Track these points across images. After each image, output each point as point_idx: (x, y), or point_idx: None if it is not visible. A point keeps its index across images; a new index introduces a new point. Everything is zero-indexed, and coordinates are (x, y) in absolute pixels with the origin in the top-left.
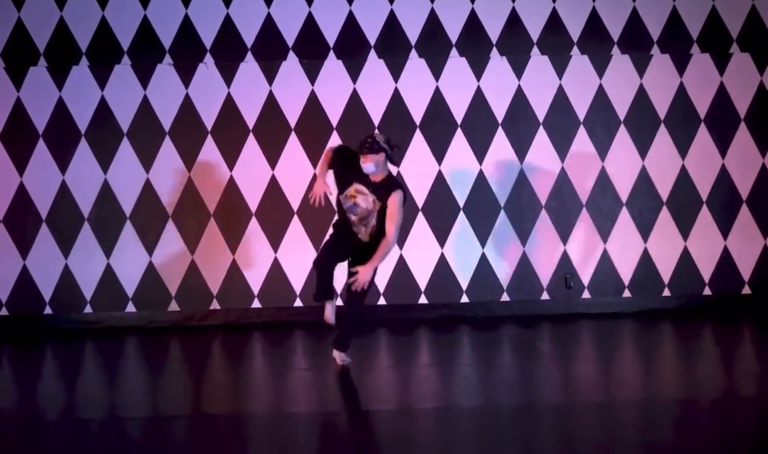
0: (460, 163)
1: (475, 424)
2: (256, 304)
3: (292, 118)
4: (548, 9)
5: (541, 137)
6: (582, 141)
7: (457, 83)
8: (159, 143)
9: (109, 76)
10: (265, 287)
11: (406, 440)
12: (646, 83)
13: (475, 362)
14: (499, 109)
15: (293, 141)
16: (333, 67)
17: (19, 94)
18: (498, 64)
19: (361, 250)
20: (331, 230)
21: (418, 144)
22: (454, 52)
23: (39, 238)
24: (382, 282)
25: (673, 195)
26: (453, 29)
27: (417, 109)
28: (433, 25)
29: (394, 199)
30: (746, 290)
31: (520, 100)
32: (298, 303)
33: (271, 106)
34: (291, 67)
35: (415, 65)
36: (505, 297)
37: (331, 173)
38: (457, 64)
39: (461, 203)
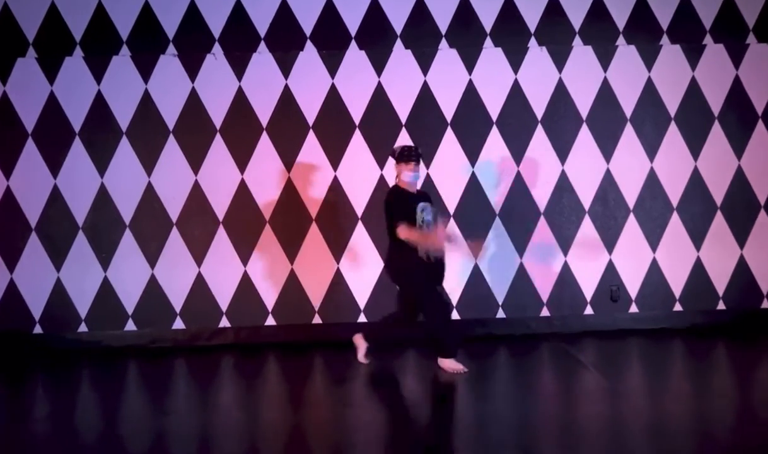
0: (495, 163)
1: None
2: (270, 321)
3: (310, 115)
4: None
5: (584, 135)
6: (629, 139)
7: (493, 76)
8: (162, 143)
9: (106, 69)
10: (280, 303)
11: None
12: (699, 76)
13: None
14: (538, 104)
15: (311, 140)
16: (355, 58)
17: (5, 89)
18: (537, 55)
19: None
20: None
21: (450, 143)
22: (488, 41)
23: (28, 249)
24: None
25: (728, 199)
26: (487, 17)
27: (448, 105)
28: (465, 12)
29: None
30: None
31: (561, 94)
32: (317, 320)
33: (286, 101)
34: (309, 58)
35: (446, 56)
36: (544, 312)
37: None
38: (492, 55)
39: (497, 209)
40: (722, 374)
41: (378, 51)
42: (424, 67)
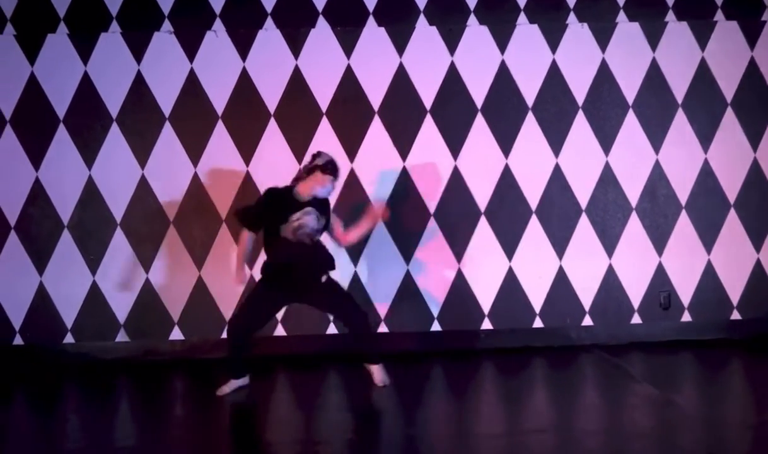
0: (532, 155)
1: None
2: (279, 331)
3: (323, 100)
4: None
5: (631, 122)
6: (680, 127)
7: (527, 56)
8: (157, 131)
9: (93, 47)
10: (288, 311)
11: None
12: (758, 56)
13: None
14: (579, 87)
15: (324, 128)
16: (373, 35)
17: None
18: (577, 33)
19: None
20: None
21: (480, 131)
22: (522, 17)
23: (6, 250)
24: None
25: None
26: None
27: (478, 89)
28: None
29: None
30: None
31: (604, 76)
32: (331, 330)
33: (296, 84)
34: (321, 36)
35: (475, 33)
36: (587, 321)
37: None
38: (526, 32)
39: (533, 206)
40: None
41: (399, 28)
42: (451, 47)
